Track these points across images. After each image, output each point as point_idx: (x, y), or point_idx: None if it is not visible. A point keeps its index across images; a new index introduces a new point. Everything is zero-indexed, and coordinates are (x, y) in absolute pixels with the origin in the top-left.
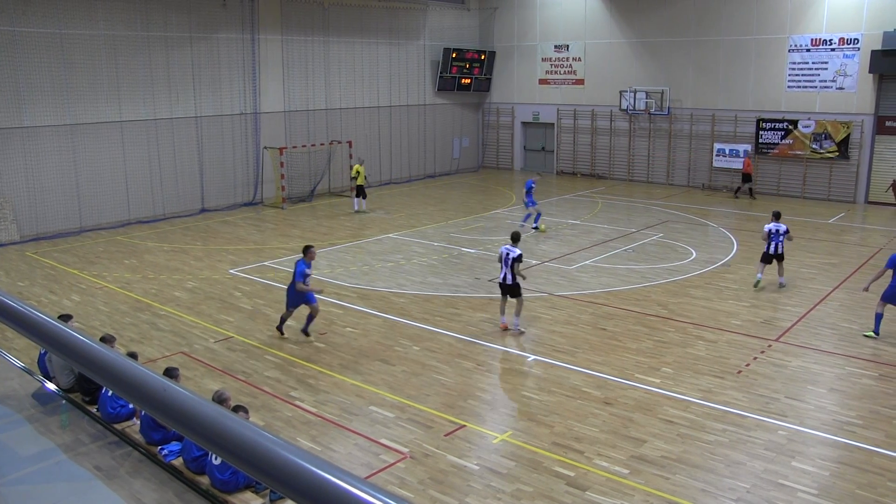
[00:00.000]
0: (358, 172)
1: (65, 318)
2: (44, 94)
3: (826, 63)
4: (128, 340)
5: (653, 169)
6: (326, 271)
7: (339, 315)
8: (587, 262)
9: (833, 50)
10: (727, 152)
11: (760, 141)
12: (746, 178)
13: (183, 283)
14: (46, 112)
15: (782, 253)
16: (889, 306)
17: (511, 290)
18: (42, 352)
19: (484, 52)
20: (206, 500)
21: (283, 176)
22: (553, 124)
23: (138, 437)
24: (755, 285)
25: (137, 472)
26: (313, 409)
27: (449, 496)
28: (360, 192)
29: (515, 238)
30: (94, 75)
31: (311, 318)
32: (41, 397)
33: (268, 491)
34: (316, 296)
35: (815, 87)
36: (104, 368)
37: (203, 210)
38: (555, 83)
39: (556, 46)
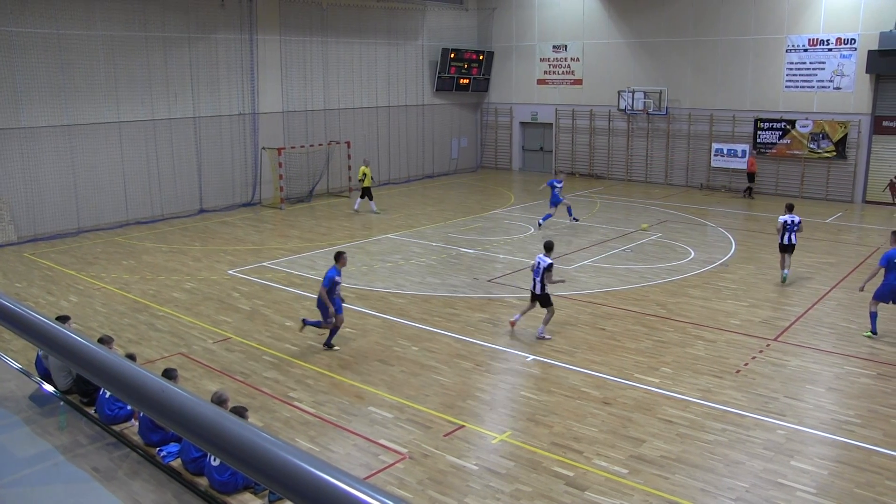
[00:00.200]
0: (364, 174)
1: (62, 319)
2: (41, 94)
3: (823, 63)
4: (126, 341)
5: (651, 169)
6: (325, 272)
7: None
8: (586, 262)
9: (830, 50)
10: (725, 152)
11: (758, 141)
12: (751, 177)
13: (181, 283)
14: (44, 113)
15: (794, 244)
16: (883, 305)
17: (540, 299)
18: (39, 353)
19: (482, 53)
20: (205, 501)
21: (281, 176)
22: (551, 124)
23: (137, 438)
24: (783, 281)
25: (136, 473)
26: (312, 410)
27: (448, 496)
28: (367, 193)
29: (548, 247)
30: (92, 76)
31: (334, 329)
32: (39, 399)
33: (266, 492)
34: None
35: (813, 87)
36: (102, 370)
37: (201, 211)
38: (553, 83)
39: (554, 46)
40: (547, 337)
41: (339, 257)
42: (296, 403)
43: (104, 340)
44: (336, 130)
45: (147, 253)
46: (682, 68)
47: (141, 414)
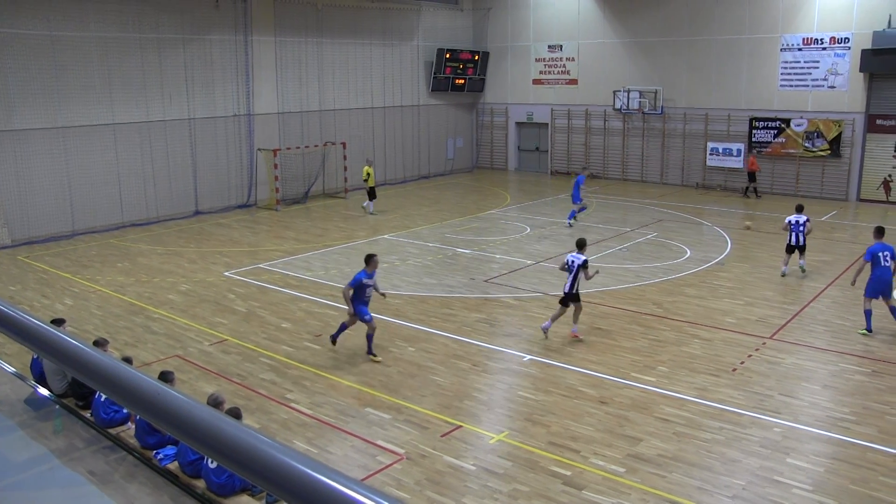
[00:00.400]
0: (368, 174)
1: (57, 322)
2: (35, 96)
3: (818, 62)
4: (122, 344)
5: (647, 168)
6: (321, 273)
7: (333, 317)
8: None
9: (824, 49)
10: (720, 151)
11: (753, 140)
12: (752, 176)
13: (177, 285)
14: (37, 115)
15: (804, 244)
16: (879, 303)
17: (574, 297)
18: (34, 356)
19: (478, 53)
20: None
21: (276, 178)
22: (547, 124)
23: (133, 441)
24: (782, 275)
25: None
26: (309, 411)
27: (446, 497)
28: (372, 193)
29: (580, 245)
30: (86, 77)
31: (370, 336)
32: (34, 403)
33: (264, 494)
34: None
35: (807, 85)
36: (96, 373)
37: (197, 212)
38: (549, 83)
39: (549, 46)
40: (581, 338)
41: (370, 260)
42: (293, 405)
43: (99, 343)
44: (332, 131)
45: (142, 255)
46: (677, 68)
47: (137, 417)
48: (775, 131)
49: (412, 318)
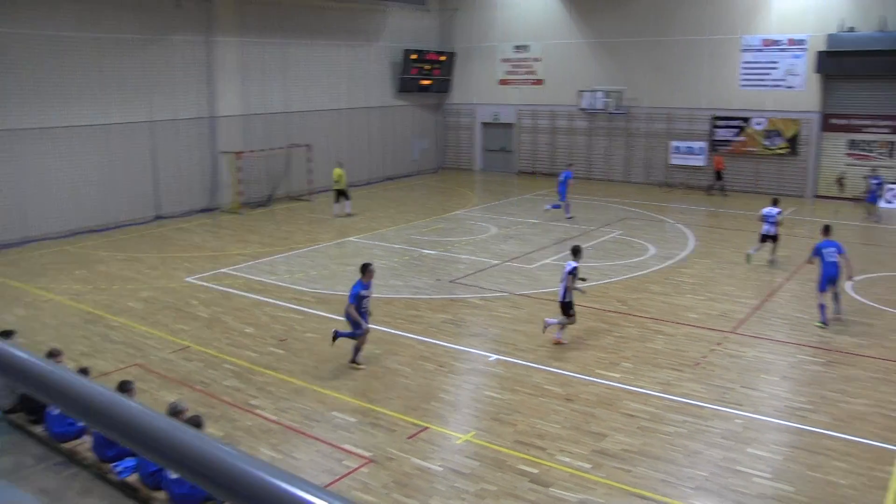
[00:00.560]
0: (340, 176)
1: (6, 334)
2: None
3: (776, 63)
4: (78, 354)
5: (611, 167)
6: (286, 276)
7: (298, 321)
8: (547, 260)
9: (783, 50)
10: (683, 149)
11: (715, 138)
12: (718, 175)
13: (137, 292)
14: None
15: (776, 234)
16: (828, 295)
17: (562, 307)
18: None
19: (444, 54)
20: None
21: (240, 181)
22: (513, 125)
23: (91, 455)
24: (747, 260)
25: (88, 492)
26: (274, 417)
27: (413, 499)
28: (342, 195)
29: (575, 252)
30: (39, 78)
31: (357, 347)
32: None
33: None
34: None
35: (767, 85)
36: (47, 385)
37: (158, 217)
38: (515, 84)
39: (515, 47)
40: (562, 340)
41: (365, 270)
42: (257, 411)
43: (53, 354)
44: (296, 133)
45: (101, 262)
46: (642, 68)
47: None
48: (736, 130)
49: (378, 321)
